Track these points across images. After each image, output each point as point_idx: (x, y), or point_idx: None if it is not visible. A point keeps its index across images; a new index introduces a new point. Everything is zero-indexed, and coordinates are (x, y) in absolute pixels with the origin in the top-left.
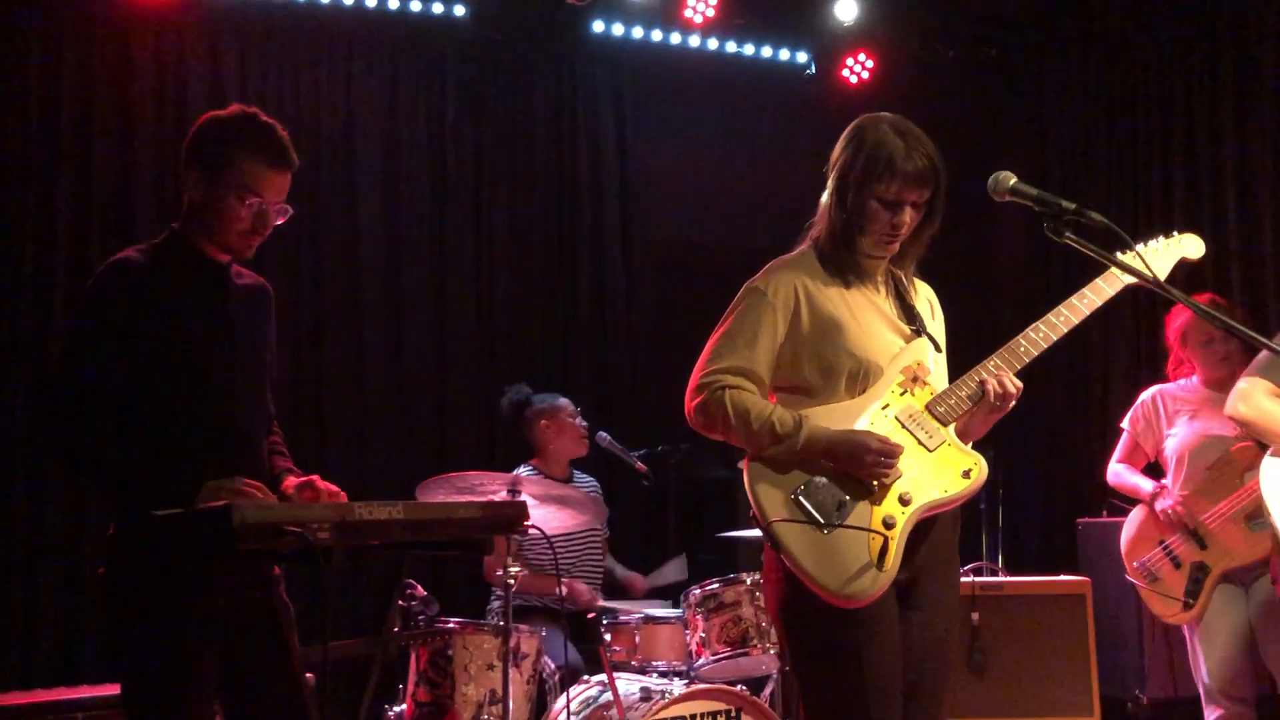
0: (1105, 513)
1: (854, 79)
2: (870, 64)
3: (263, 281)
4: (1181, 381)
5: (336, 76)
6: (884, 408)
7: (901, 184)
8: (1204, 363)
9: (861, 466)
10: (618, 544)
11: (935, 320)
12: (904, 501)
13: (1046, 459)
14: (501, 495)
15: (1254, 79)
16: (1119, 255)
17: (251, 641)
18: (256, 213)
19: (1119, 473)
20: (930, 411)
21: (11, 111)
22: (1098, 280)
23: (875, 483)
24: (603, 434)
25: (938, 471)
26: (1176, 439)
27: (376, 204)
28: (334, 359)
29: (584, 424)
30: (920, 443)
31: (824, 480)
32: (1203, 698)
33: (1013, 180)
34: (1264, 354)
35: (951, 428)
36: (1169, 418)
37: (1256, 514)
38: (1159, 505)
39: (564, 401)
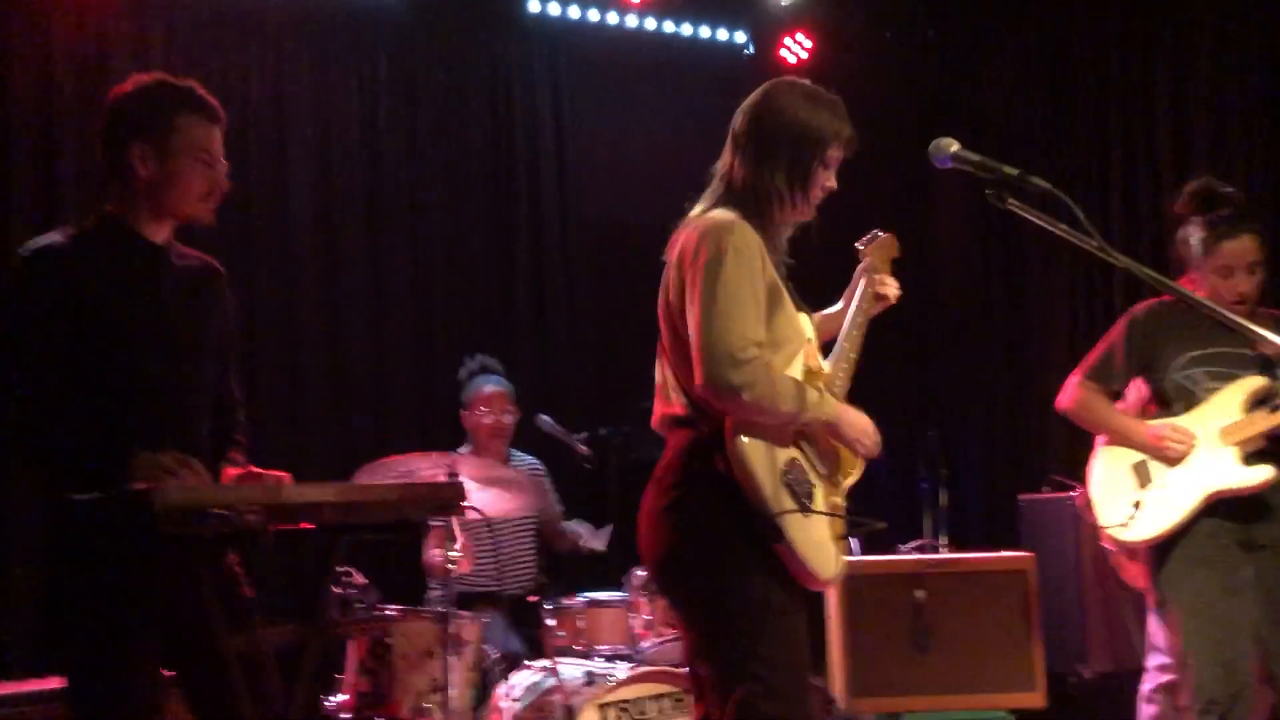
0: (1046, 489)
1: (792, 59)
2: (809, 44)
3: (209, 260)
4: None
5: (266, 56)
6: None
7: (845, 145)
8: None
9: (861, 444)
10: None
11: None
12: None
13: (987, 435)
14: (440, 478)
15: (1191, 62)
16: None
17: (196, 634)
18: (211, 173)
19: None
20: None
21: None
22: None
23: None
24: (543, 417)
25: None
26: None
27: (309, 185)
28: (267, 343)
29: (505, 418)
30: None
31: (800, 459)
32: (1149, 666)
33: (955, 146)
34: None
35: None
36: None
37: None
38: None
39: (487, 390)
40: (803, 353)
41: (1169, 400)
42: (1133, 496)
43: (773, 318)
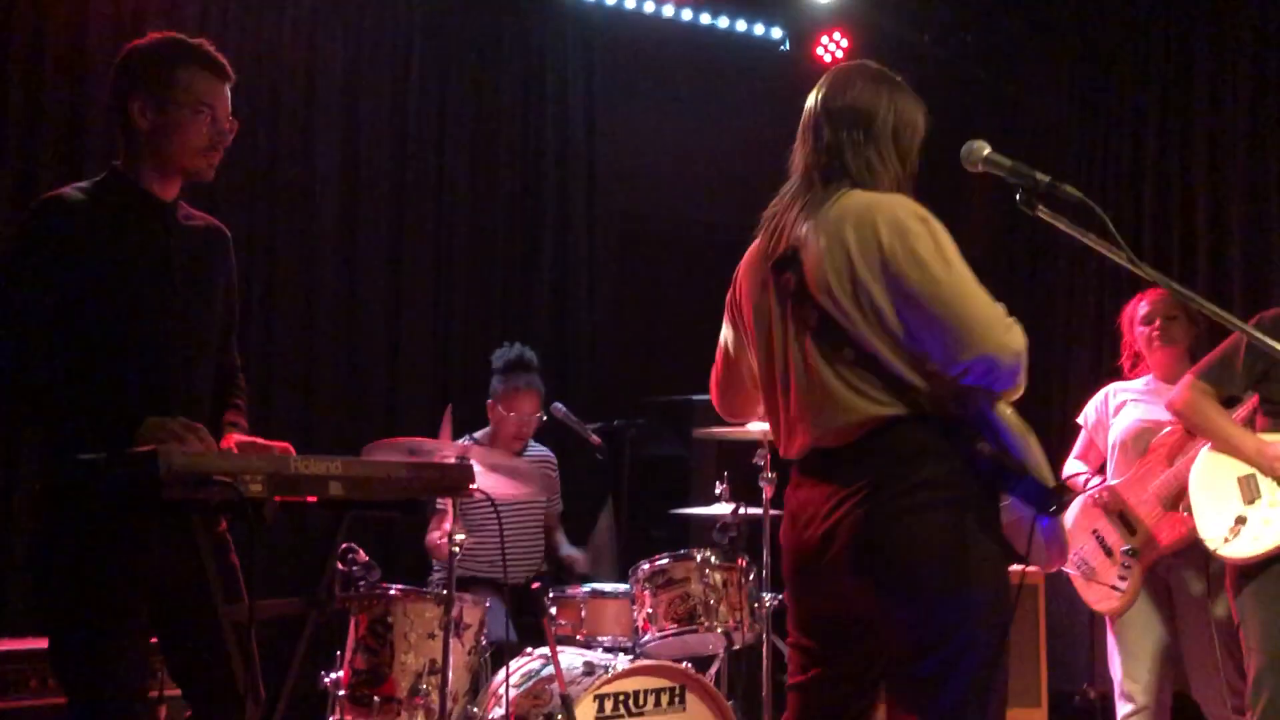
0: None
1: (828, 58)
2: (845, 43)
3: (216, 223)
4: (1137, 380)
5: (300, 27)
6: None
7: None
8: (1146, 342)
9: None
10: (567, 517)
11: None
12: None
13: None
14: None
15: (1229, 68)
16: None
17: (184, 601)
18: (213, 127)
19: (1071, 469)
20: None
21: None
22: None
23: None
24: (558, 405)
25: None
26: (1117, 429)
27: (335, 160)
28: (285, 316)
29: (532, 422)
30: None
31: None
32: (1116, 693)
33: (987, 150)
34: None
35: None
36: (1116, 409)
37: (1177, 500)
38: (1087, 490)
39: (519, 393)
40: None
41: None
42: (1237, 510)
43: None
